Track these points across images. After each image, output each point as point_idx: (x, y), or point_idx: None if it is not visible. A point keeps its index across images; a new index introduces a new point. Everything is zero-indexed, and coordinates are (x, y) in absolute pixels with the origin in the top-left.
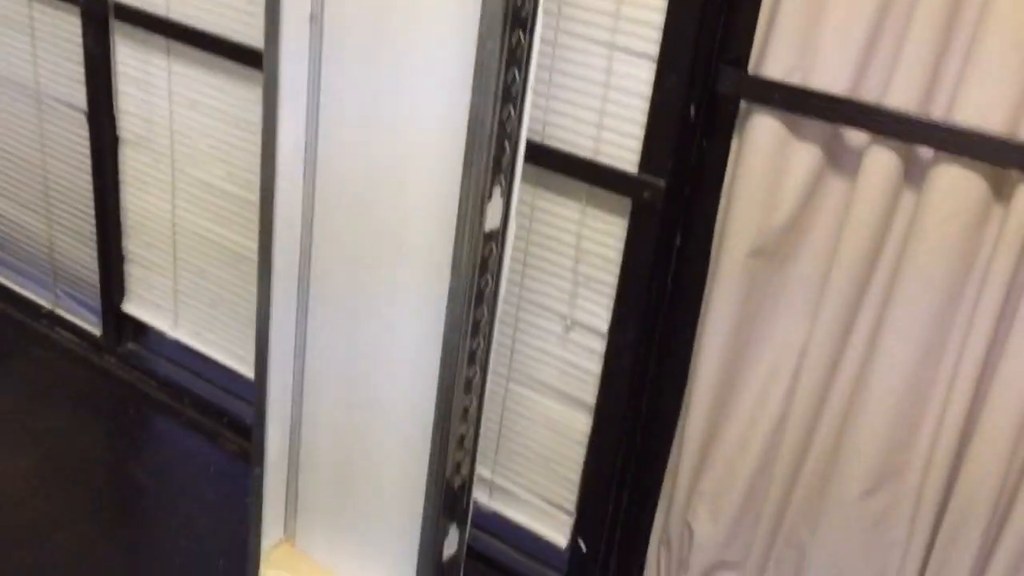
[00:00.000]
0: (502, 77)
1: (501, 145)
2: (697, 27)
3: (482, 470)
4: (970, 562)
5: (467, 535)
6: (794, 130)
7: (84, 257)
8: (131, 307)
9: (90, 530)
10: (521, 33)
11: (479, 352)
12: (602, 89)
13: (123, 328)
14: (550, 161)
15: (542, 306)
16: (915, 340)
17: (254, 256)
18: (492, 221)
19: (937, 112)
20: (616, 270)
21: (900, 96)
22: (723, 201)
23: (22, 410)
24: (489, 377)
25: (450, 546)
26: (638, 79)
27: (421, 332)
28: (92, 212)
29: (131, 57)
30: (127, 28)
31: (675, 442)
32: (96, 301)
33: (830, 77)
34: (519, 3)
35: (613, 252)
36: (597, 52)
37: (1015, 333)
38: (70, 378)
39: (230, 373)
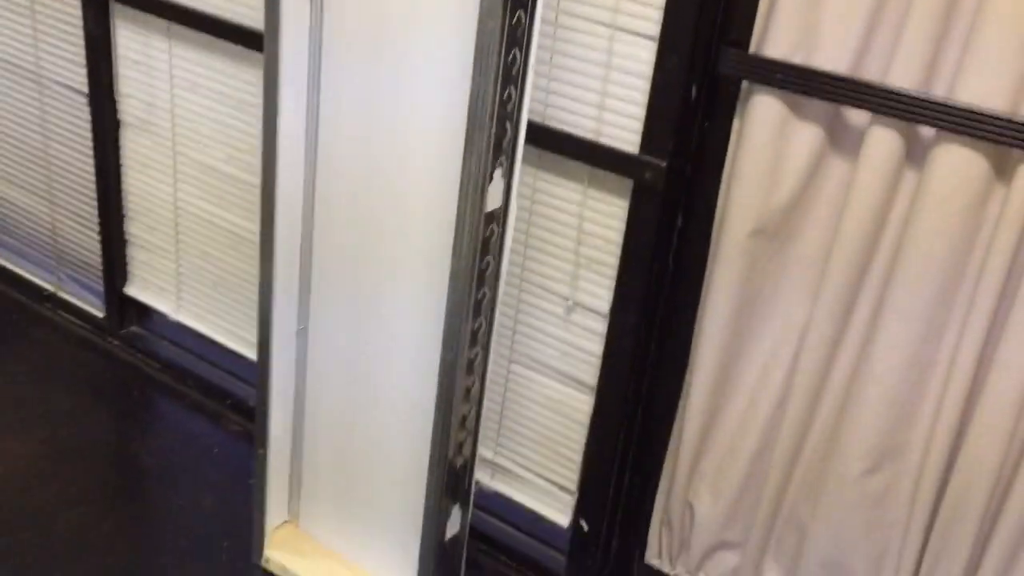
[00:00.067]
0: (503, 58)
1: (502, 126)
2: (698, 7)
3: (484, 450)
4: (970, 540)
5: (469, 515)
6: (795, 110)
7: (87, 240)
8: (134, 290)
9: (94, 511)
10: (522, 13)
11: (481, 332)
12: (603, 70)
13: (126, 311)
14: (551, 142)
15: (544, 287)
16: (916, 320)
17: (256, 238)
18: (493, 202)
19: (939, 92)
20: (617, 251)
21: (901, 77)
22: (724, 182)
23: (25, 393)
24: (491, 358)
25: (452, 526)
26: (639, 60)
27: (423, 313)
28: (94, 195)
29: (132, 39)
30: (127, 10)
31: (676, 422)
32: (99, 284)
33: (831, 58)
34: None
35: (614, 233)
36: (598, 32)
37: (1016, 313)
38: (73, 361)
39: (233, 355)
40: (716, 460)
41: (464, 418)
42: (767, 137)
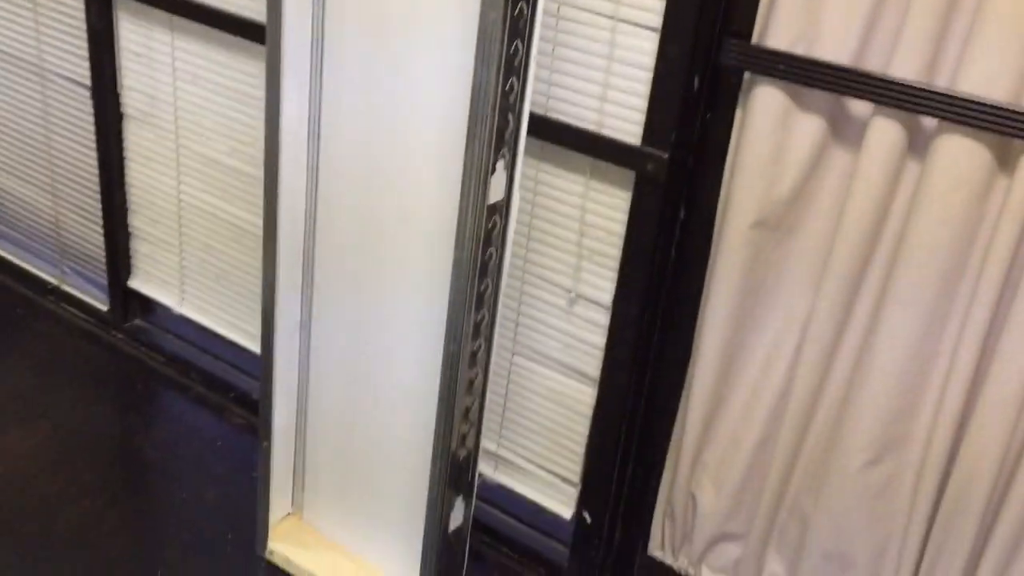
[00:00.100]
0: (505, 48)
1: (504, 117)
2: None
3: (487, 443)
4: (973, 531)
5: (472, 507)
6: (798, 101)
7: (90, 233)
8: (137, 283)
9: (98, 504)
10: (524, 4)
11: (484, 324)
12: (605, 61)
13: (130, 304)
14: (553, 134)
15: (546, 279)
16: (918, 311)
17: (259, 231)
18: (496, 193)
19: (941, 83)
20: (620, 243)
21: (903, 67)
22: (726, 173)
23: (29, 386)
24: (494, 350)
25: (456, 518)
26: (641, 51)
27: (426, 305)
28: (97, 188)
29: (134, 32)
30: (129, 2)
31: (679, 414)
32: (103, 277)
33: (834, 49)
34: None
35: (617, 225)
36: (600, 24)
37: (1018, 304)
38: (77, 354)
39: (236, 348)
40: (719, 451)
41: (467, 410)
42: (769, 128)
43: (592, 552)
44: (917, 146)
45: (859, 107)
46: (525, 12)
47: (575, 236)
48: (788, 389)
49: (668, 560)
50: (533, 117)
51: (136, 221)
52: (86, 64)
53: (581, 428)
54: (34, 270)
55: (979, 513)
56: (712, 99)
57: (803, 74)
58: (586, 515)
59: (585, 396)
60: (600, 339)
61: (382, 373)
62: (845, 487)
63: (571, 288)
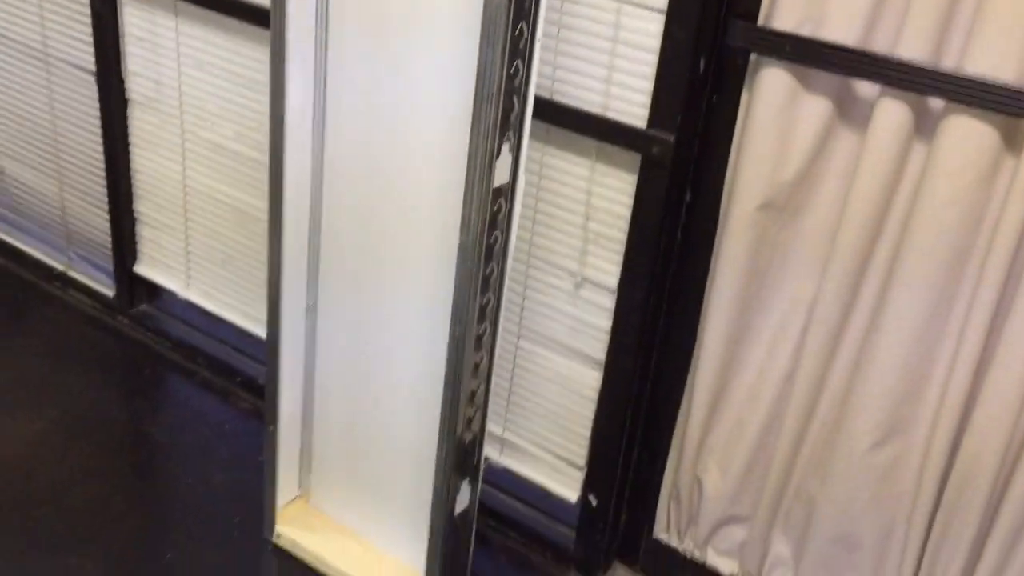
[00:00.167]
0: (510, 31)
1: (509, 100)
2: None
3: (493, 426)
4: (978, 514)
5: (479, 490)
6: (804, 83)
7: (96, 219)
8: (143, 268)
9: (105, 489)
10: None
11: (489, 308)
12: (610, 43)
13: (136, 289)
14: (559, 117)
15: (552, 263)
16: (924, 293)
17: (264, 216)
18: (501, 177)
19: (948, 64)
20: (625, 226)
21: (910, 48)
22: (732, 155)
23: (36, 372)
24: (499, 333)
25: (462, 502)
26: (647, 33)
27: (431, 288)
28: (103, 174)
29: (138, 17)
30: None
31: (684, 397)
32: (108, 263)
33: (840, 30)
34: None
35: (622, 208)
36: (605, 6)
37: None
38: (83, 340)
39: (242, 332)
40: (724, 435)
41: (473, 393)
42: (776, 110)
43: (598, 535)
44: (924, 127)
45: (866, 88)
46: None
47: (580, 219)
48: (794, 372)
49: (674, 543)
50: (538, 100)
51: (142, 207)
52: (90, 50)
53: (587, 411)
54: (40, 256)
55: (985, 495)
56: (718, 81)
57: (809, 55)
58: (592, 498)
59: (591, 379)
60: (606, 322)
61: (388, 357)
62: (851, 470)
63: (576, 271)
